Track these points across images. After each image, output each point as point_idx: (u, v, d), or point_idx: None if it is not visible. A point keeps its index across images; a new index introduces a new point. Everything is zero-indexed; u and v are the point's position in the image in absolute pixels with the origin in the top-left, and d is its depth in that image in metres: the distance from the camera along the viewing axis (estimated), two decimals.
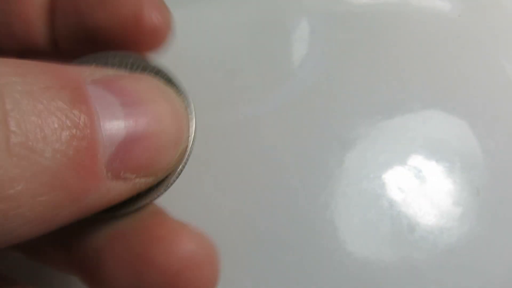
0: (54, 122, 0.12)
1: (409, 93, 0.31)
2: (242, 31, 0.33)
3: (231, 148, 0.30)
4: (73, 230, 0.16)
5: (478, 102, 0.31)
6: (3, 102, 0.12)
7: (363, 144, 0.30)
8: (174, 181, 0.17)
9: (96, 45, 0.19)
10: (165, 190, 0.17)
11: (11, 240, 0.12)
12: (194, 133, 0.17)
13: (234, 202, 0.28)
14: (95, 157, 0.13)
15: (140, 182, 0.15)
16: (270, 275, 0.27)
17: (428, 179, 0.29)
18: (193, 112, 0.17)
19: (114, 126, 0.14)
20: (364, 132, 0.30)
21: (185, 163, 0.17)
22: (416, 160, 0.30)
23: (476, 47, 0.32)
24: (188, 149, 0.17)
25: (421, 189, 0.29)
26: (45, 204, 0.12)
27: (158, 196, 0.16)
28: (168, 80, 0.18)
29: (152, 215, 0.17)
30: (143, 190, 0.16)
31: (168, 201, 0.18)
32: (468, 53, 0.32)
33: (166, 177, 0.16)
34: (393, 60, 0.32)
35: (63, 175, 0.12)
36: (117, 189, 0.14)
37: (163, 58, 0.19)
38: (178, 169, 0.17)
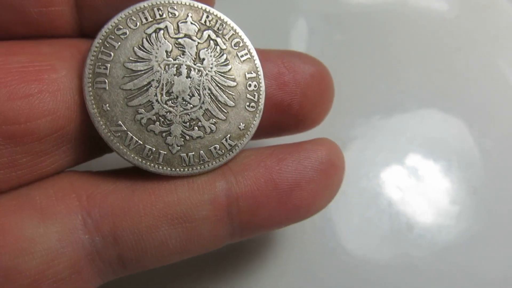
0: None
1: (407, 93, 0.32)
2: None
3: None
4: None
5: (475, 102, 0.31)
6: None
7: (361, 143, 0.30)
8: None
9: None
10: None
11: None
12: None
13: None
14: None
15: None
16: (270, 272, 0.27)
17: (426, 178, 0.30)
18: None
19: None
20: (362, 132, 0.31)
21: None
22: (414, 159, 0.30)
23: (473, 48, 0.33)
24: None
25: (419, 188, 0.29)
26: None
27: None
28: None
29: None
30: None
31: None
32: (465, 54, 0.33)
33: None
34: (391, 61, 0.32)
35: None
36: None
37: None
38: None
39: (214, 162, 0.21)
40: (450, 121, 0.31)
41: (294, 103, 0.21)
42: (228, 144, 0.21)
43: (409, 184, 0.30)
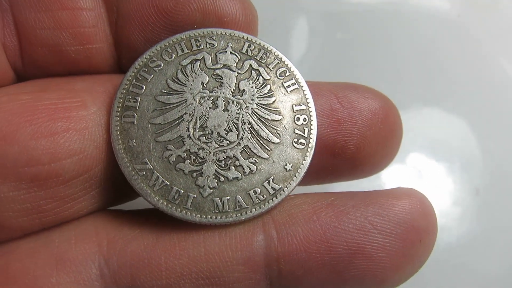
0: None
1: (409, 93, 0.31)
2: None
3: None
4: None
5: (477, 102, 0.31)
6: None
7: None
8: None
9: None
10: None
11: None
12: None
13: None
14: None
15: None
16: None
17: (428, 179, 0.29)
18: None
19: None
20: None
21: None
22: (416, 160, 0.30)
23: (475, 47, 0.33)
24: None
25: (421, 189, 0.29)
26: None
27: None
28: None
29: None
30: None
31: None
32: (467, 53, 0.32)
33: None
34: (392, 60, 0.32)
35: None
36: None
37: None
38: None
39: (254, 210, 0.18)
40: (452, 122, 0.31)
41: (349, 145, 0.18)
42: (271, 187, 0.18)
43: (411, 185, 0.29)
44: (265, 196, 0.18)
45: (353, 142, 0.18)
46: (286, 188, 0.18)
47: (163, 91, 0.18)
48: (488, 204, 0.29)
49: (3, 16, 0.18)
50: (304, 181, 0.19)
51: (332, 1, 0.33)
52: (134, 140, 0.18)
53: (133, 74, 0.18)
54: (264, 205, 0.18)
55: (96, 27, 0.18)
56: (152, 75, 0.19)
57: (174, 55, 0.19)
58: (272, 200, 0.18)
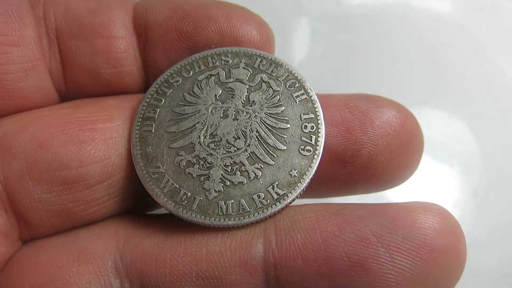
0: None
1: (409, 95, 0.31)
2: None
3: None
4: None
5: (477, 104, 0.31)
6: None
7: None
8: None
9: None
10: None
11: None
12: None
13: None
14: None
15: None
16: None
17: (427, 181, 0.29)
18: None
19: None
20: None
21: None
22: None
23: (475, 50, 0.33)
24: None
25: (420, 191, 0.29)
26: None
27: None
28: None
29: None
30: None
31: None
32: (468, 56, 0.32)
33: None
34: (392, 62, 0.32)
35: None
36: None
37: None
38: None
39: (256, 214, 0.18)
40: (452, 124, 0.31)
41: (360, 153, 0.18)
42: (275, 192, 0.18)
43: (410, 187, 0.29)
44: (268, 200, 0.18)
45: (364, 150, 0.18)
46: (290, 194, 0.18)
47: (179, 103, 0.20)
48: (487, 206, 0.29)
49: (51, 46, 0.21)
50: (319, 192, 0.19)
51: (334, 3, 0.33)
52: (151, 147, 0.19)
53: (154, 89, 0.21)
54: (267, 210, 0.18)
55: (127, 52, 0.21)
56: (171, 89, 0.20)
57: (192, 72, 0.21)
58: (276, 205, 0.18)
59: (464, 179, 0.30)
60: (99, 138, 0.19)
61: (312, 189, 0.19)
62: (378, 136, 0.18)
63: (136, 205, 0.21)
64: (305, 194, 0.19)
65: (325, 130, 0.19)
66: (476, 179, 0.30)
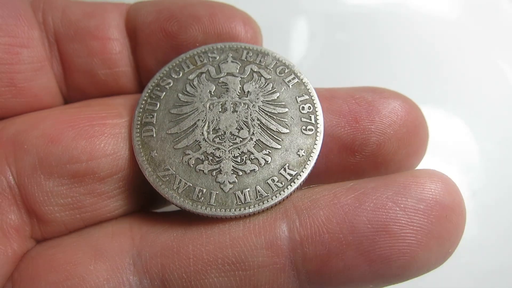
0: None
1: (407, 94, 0.31)
2: None
3: None
4: None
5: (476, 104, 0.31)
6: None
7: None
8: None
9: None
10: None
11: None
12: None
13: None
14: None
15: None
16: None
17: None
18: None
19: None
20: None
21: None
22: None
23: (474, 50, 0.33)
24: None
25: None
26: None
27: None
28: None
29: None
30: None
31: None
32: (467, 55, 0.33)
33: None
34: (391, 61, 0.32)
35: None
36: None
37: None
38: None
39: (274, 197, 0.19)
40: (450, 124, 0.31)
41: (369, 142, 0.19)
42: (288, 174, 0.19)
43: None
44: (283, 183, 0.19)
45: (373, 139, 0.19)
46: (302, 173, 0.19)
47: (175, 104, 0.21)
48: (485, 206, 0.29)
49: (51, 49, 0.21)
50: (330, 181, 0.19)
51: (332, 3, 0.34)
52: (155, 151, 0.20)
53: (147, 94, 0.21)
54: (284, 191, 0.19)
55: (121, 53, 0.22)
56: (164, 92, 0.21)
57: (181, 72, 0.21)
58: (291, 185, 0.19)
59: (462, 179, 0.30)
60: (108, 132, 0.19)
61: (323, 181, 0.20)
62: (386, 124, 0.19)
63: (146, 203, 0.21)
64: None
65: (333, 122, 0.20)
66: (474, 179, 0.30)
